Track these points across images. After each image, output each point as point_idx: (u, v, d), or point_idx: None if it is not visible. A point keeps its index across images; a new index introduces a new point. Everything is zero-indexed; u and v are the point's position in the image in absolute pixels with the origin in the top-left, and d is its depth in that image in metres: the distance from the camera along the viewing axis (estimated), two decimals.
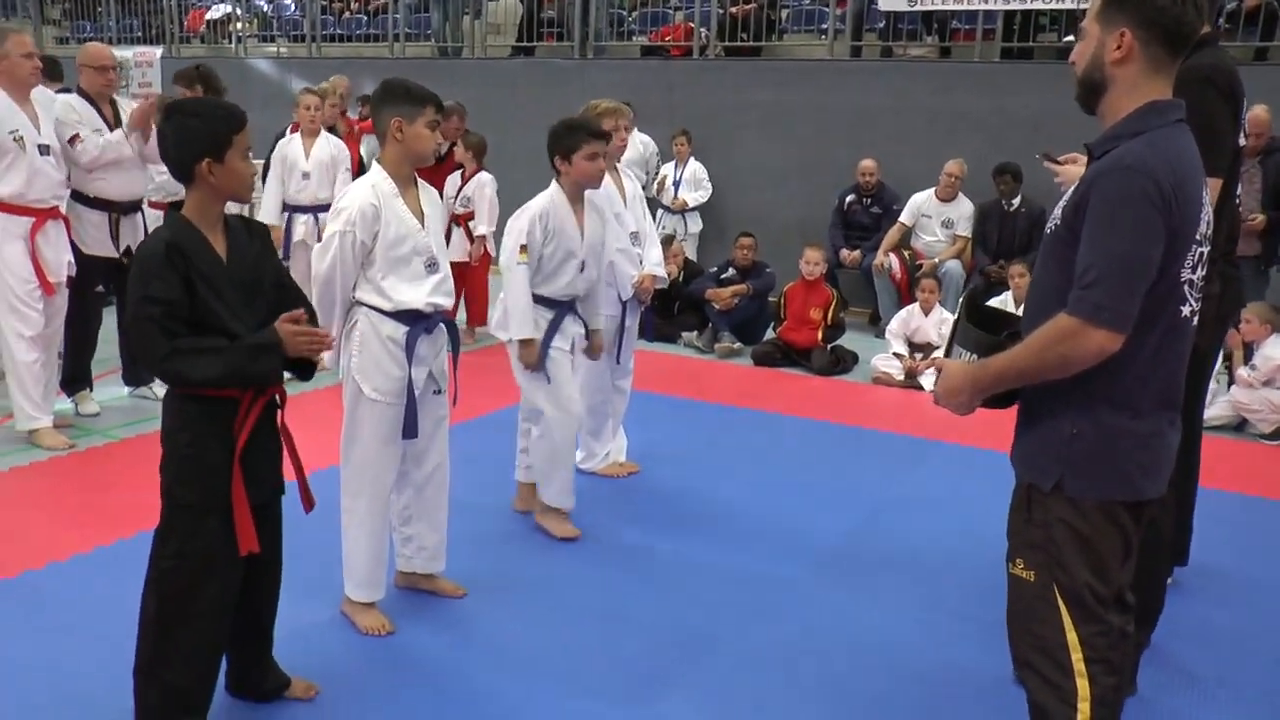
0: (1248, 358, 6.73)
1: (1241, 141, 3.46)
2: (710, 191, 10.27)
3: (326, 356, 3.73)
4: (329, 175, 7.33)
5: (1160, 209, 2.23)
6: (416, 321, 3.64)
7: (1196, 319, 2.45)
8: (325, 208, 7.01)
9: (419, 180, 3.76)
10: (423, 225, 3.65)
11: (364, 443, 3.67)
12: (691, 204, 10.18)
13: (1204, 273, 2.43)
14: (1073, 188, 2.40)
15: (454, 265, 7.99)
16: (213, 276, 2.82)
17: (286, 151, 7.33)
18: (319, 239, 6.70)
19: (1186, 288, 2.36)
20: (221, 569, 2.93)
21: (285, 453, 3.10)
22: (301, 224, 7.33)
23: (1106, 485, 2.38)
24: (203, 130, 2.83)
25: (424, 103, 3.58)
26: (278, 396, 3.03)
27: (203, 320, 2.80)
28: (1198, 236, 2.33)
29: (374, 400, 3.63)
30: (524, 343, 4.50)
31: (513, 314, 4.51)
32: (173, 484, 2.91)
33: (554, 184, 4.56)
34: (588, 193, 4.63)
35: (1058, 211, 2.42)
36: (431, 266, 3.67)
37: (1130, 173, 2.25)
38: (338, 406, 3.74)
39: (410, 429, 3.66)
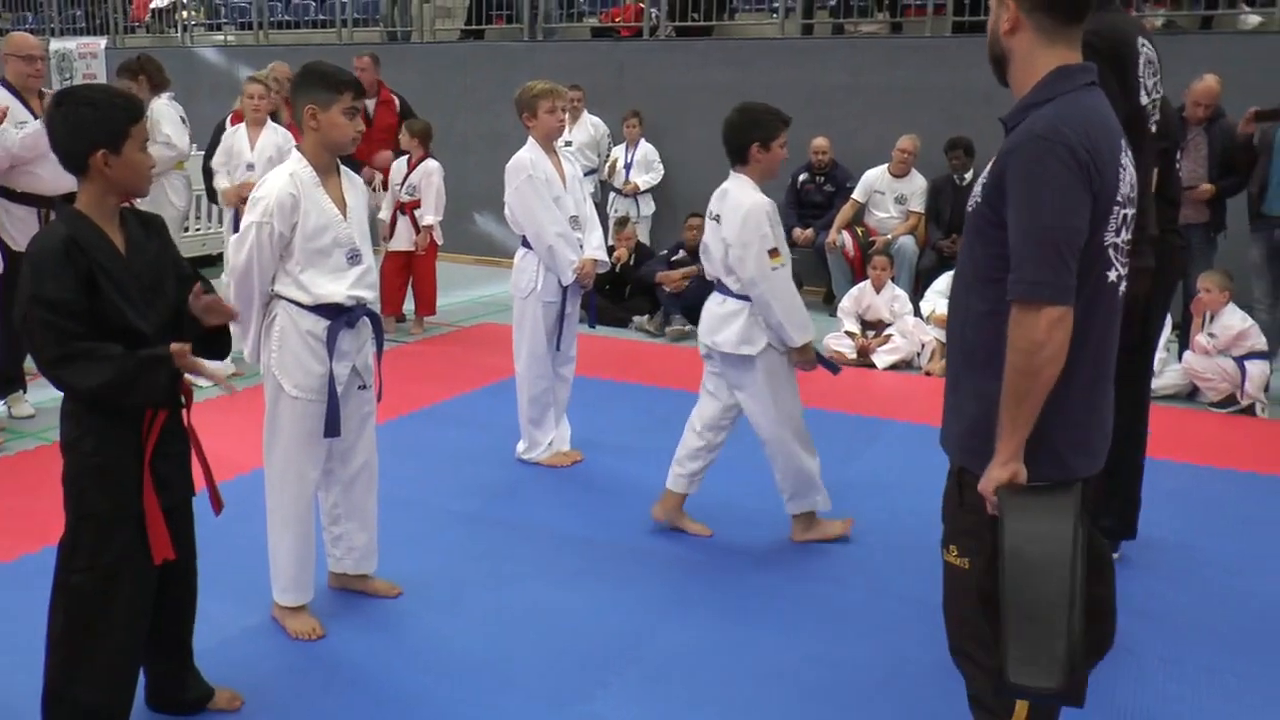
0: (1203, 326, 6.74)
1: (1144, 100, 3.36)
2: (662, 173, 10.18)
3: (246, 352, 3.65)
4: (276, 166, 7.08)
5: (1078, 173, 2.17)
6: (338, 315, 3.53)
7: (1124, 285, 2.39)
8: None
9: (342, 168, 3.64)
10: (345, 215, 3.54)
11: (286, 441, 3.57)
12: (643, 187, 10.07)
13: (1129, 236, 2.36)
14: (991, 162, 2.33)
15: (400, 255, 8.09)
16: (114, 272, 2.71)
17: (232, 142, 7.06)
18: None
19: (1111, 251, 2.29)
20: (134, 579, 2.82)
21: (194, 455, 2.98)
22: None
23: (1039, 466, 2.30)
24: (96, 120, 2.70)
25: (340, 89, 3.45)
26: (183, 396, 2.91)
27: (106, 318, 2.69)
28: (1119, 198, 2.27)
29: (295, 397, 3.52)
30: (803, 348, 4.22)
31: (792, 319, 4.15)
32: (79, 495, 2.79)
33: (745, 176, 4.20)
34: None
35: (978, 188, 2.36)
36: (354, 258, 3.55)
37: (1041, 141, 2.19)
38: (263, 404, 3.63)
39: (332, 427, 3.56)
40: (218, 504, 3.05)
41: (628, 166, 10.11)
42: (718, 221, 4.24)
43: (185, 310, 2.85)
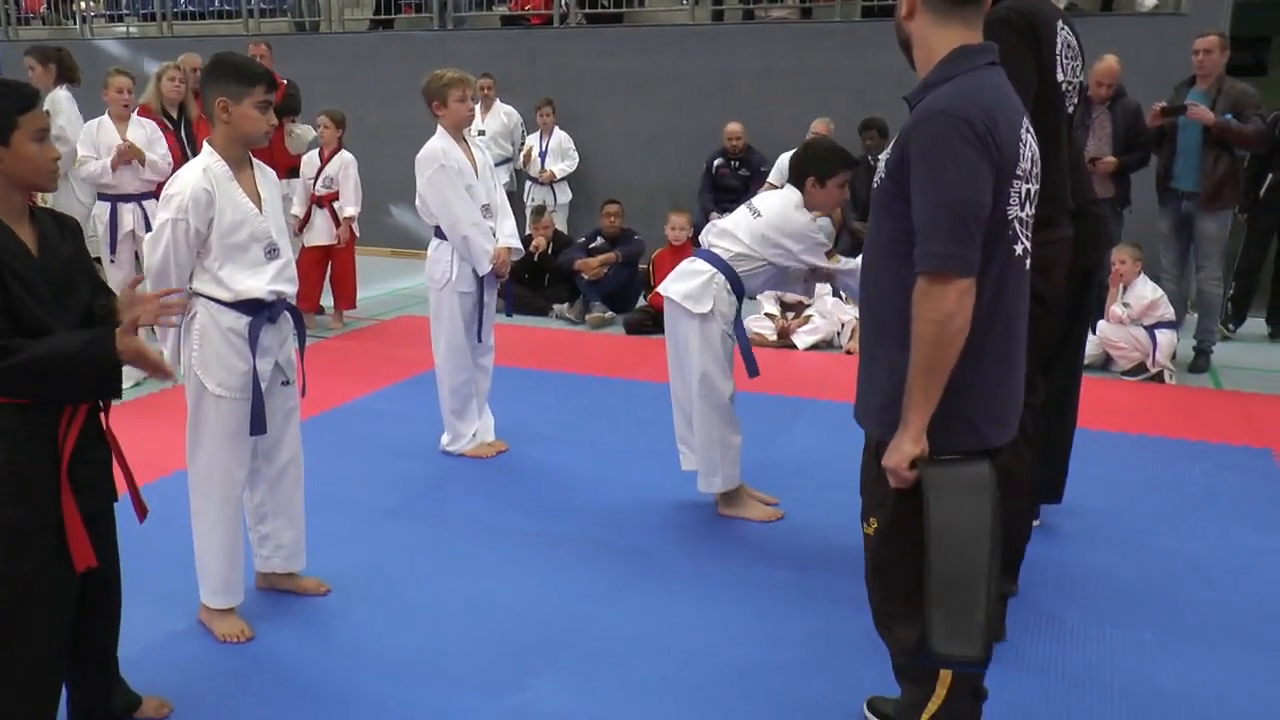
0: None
1: (1060, 77, 3.44)
2: (577, 161, 10.17)
3: (166, 352, 3.57)
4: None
5: (978, 147, 2.22)
6: (259, 311, 3.48)
7: (1029, 259, 2.44)
8: (150, 195, 6.63)
9: (255, 161, 3.59)
10: (260, 209, 3.48)
11: (210, 441, 3.50)
12: (559, 175, 10.06)
13: (1033, 210, 2.42)
14: (894, 139, 2.38)
15: (318, 249, 7.97)
16: (24, 272, 2.62)
17: (97, 136, 6.72)
18: (147, 228, 6.34)
19: (1016, 225, 2.34)
20: (54, 589, 2.74)
21: (114, 459, 2.91)
22: (129, 213, 6.76)
23: (953, 436, 2.34)
24: None
25: (252, 82, 3.39)
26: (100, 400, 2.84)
27: (15, 317, 2.60)
28: (1019, 173, 2.31)
29: (218, 396, 3.46)
30: None
31: None
32: None
33: (798, 194, 4.39)
34: None
35: (882, 164, 2.40)
36: (272, 252, 3.50)
37: (942, 117, 2.24)
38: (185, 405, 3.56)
39: (258, 425, 3.51)
40: (141, 510, 2.97)
41: (542, 155, 10.08)
42: (753, 213, 4.44)
43: (99, 315, 2.78)
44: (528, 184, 10.22)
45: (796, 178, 4.42)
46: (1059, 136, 3.42)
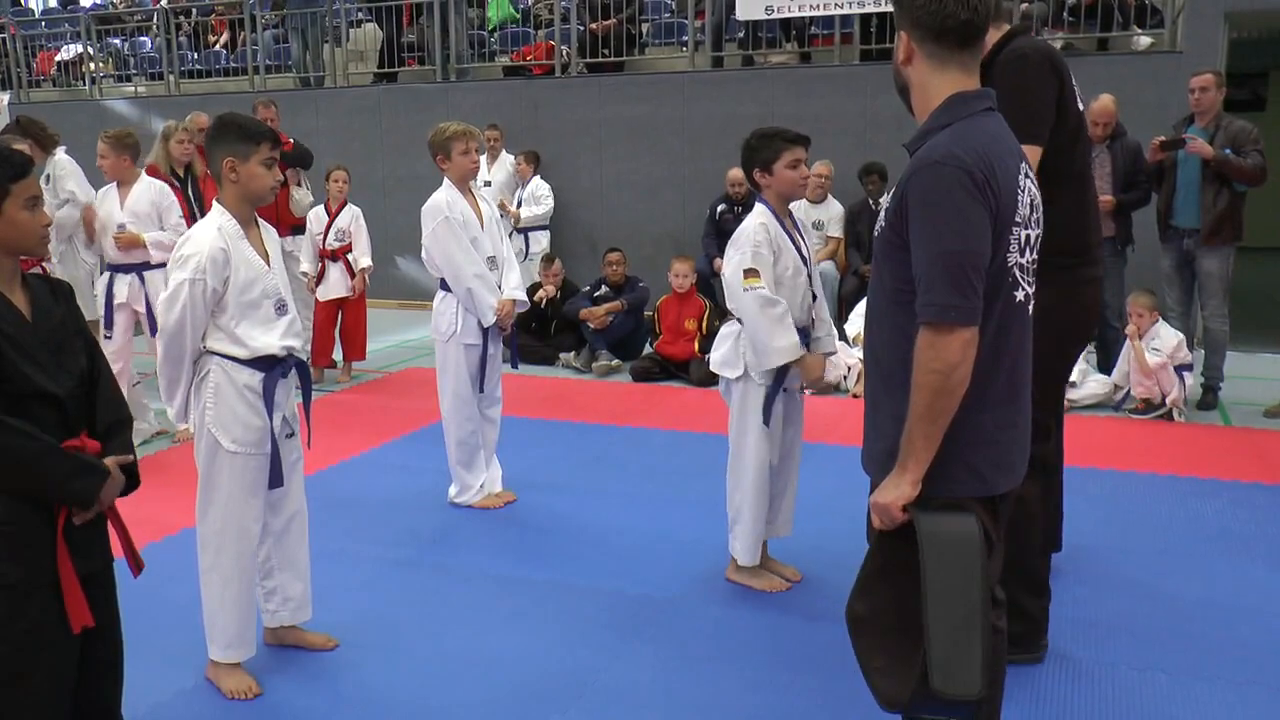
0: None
1: (1080, 108, 3.46)
2: (551, 208, 10.14)
3: (172, 412, 3.59)
4: (152, 226, 6.40)
5: (976, 196, 2.22)
6: (273, 367, 3.51)
7: (1032, 304, 2.45)
8: (148, 266, 6.36)
9: (259, 219, 3.62)
10: (268, 265, 3.52)
11: (225, 498, 3.51)
12: (525, 218, 10.06)
13: (1035, 256, 2.42)
14: (894, 188, 2.39)
15: (332, 303, 8.00)
16: (18, 336, 2.62)
17: (101, 206, 6.47)
18: (145, 303, 6.27)
19: (1017, 271, 2.34)
20: (52, 650, 2.71)
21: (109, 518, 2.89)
22: (124, 284, 6.39)
23: (958, 483, 2.34)
24: None
25: (257, 140, 3.44)
26: None
27: (9, 380, 2.60)
28: (1017, 219, 2.31)
29: (234, 452, 3.48)
30: (804, 368, 4.15)
31: (757, 343, 4.07)
32: None
33: (760, 204, 4.16)
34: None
35: (882, 214, 2.41)
36: (281, 308, 3.54)
37: (939, 167, 2.24)
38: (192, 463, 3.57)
39: (277, 478, 3.54)
40: (135, 565, 2.96)
41: (519, 204, 10.19)
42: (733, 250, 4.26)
43: (95, 378, 2.80)
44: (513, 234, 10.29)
45: (748, 177, 4.19)
46: (1089, 168, 3.42)
